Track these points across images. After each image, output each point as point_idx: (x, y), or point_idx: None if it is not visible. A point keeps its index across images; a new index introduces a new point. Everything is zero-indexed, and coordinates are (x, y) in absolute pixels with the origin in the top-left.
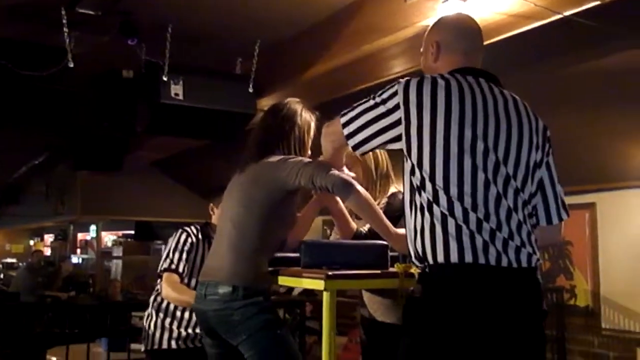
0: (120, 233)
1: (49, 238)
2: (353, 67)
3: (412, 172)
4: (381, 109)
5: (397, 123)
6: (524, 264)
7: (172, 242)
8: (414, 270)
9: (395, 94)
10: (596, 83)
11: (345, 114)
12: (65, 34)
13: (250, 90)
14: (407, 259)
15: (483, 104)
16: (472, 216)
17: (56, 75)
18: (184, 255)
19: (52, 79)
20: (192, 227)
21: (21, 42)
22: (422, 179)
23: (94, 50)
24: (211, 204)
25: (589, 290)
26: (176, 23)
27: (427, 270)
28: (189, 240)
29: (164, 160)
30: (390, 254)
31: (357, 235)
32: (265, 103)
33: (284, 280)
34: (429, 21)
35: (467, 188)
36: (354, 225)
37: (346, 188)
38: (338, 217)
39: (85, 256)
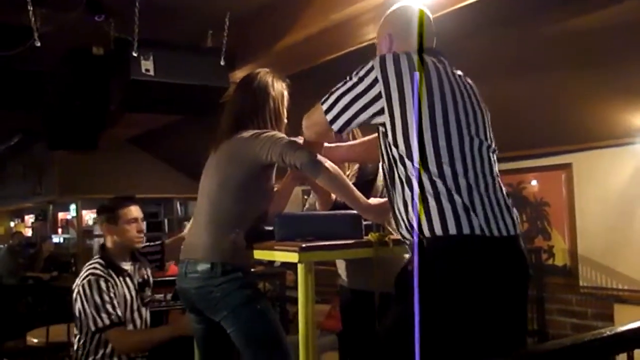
0: None
1: (29, 219)
2: (325, 36)
3: (395, 144)
4: (360, 87)
5: (377, 97)
6: (512, 232)
7: (94, 293)
8: (388, 238)
9: (371, 69)
10: (571, 43)
11: (325, 100)
12: (30, 12)
13: (222, 63)
14: (381, 228)
15: (453, 78)
16: (463, 182)
17: (24, 55)
18: (114, 301)
19: (19, 59)
20: (98, 268)
21: None
22: (408, 149)
23: (62, 28)
24: (101, 220)
25: (566, 250)
26: None
27: (424, 242)
28: (109, 283)
29: (140, 136)
30: (364, 223)
31: (337, 205)
32: (238, 75)
33: (259, 254)
34: None
35: (457, 153)
36: (333, 195)
37: (315, 166)
38: (316, 188)
39: (66, 236)
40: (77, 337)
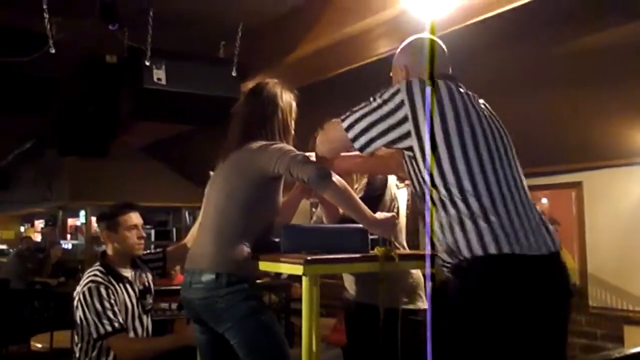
0: None
1: (39, 224)
2: (337, 49)
3: (426, 167)
4: (385, 109)
5: (404, 120)
6: (552, 249)
7: (94, 300)
8: (394, 253)
9: (397, 92)
10: (582, 61)
11: (346, 118)
12: (46, 19)
13: (234, 74)
14: (388, 243)
15: (475, 101)
16: (499, 201)
17: (38, 61)
18: (115, 308)
19: (34, 65)
20: (98, 275)
21: (0, 27)
22: (441, 173)
23: (76, 36)
24: (101, 227)
25: (576, 269)
26: (158, 6)
27: (463, 263)
28: (109, 290)
29: (152, 145)
30: (370, 237)
31: (344, 218)
32: (250, 86)
33: (264, 266)
34: (410, 1)
35: (490, 173)
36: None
37: (322, 181)
38: (324, 201)
39: (75, 242)
40: (79, 345)
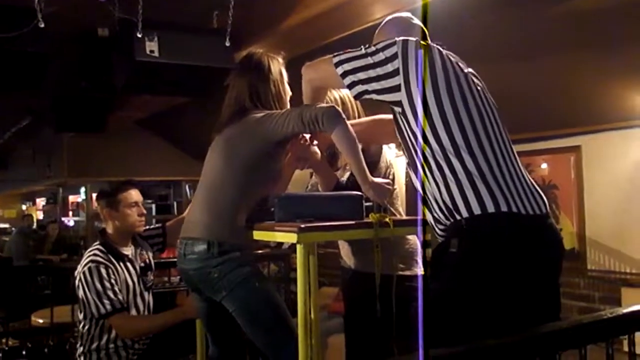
0: None
1: (41, 202)
2: (331, 15)
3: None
4: (377, 57)
5: (395, 73)
6: (543, 210)
7: (94, 280)
8: (388, 219)
9: (392, 44)
10: (579, 24)
11: (338, 54)
12: None
13: (227, 44)
14: (382, 209)
15: (463, 66)
16: (493, 161)
17: (28, 36)
18: (115, 287)
19: (24, 40)
20: (98, 254)
21: None
22: (433, 128)
23: (66, 10)
24: (102, 205)
25: (574, 233)
26: None
27: (462, 223)
28: (109, 269)
29: (149, 119)
30: (365, 204)
31: (338, 185)
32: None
33: (259, 235)
34: None
35: (482, 133)
36: (335, 175)
37: (336, 117)
38: (318, 169)
39: (77, 218)
40: (82, 323)
